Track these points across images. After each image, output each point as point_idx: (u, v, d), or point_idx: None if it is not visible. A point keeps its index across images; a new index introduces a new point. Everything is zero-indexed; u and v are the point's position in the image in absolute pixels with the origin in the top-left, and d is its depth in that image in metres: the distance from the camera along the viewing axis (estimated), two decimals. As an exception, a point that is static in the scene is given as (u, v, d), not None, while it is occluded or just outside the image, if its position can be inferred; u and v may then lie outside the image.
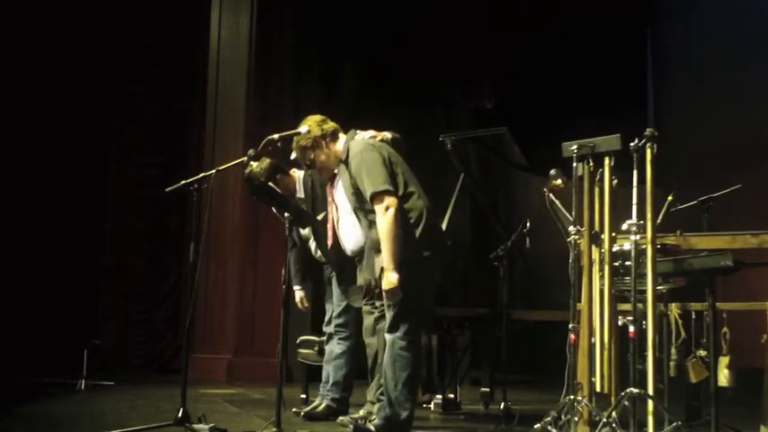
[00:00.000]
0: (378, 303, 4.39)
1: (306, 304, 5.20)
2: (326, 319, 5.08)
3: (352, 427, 4.16)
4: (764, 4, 8.12)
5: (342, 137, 4.17)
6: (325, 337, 5.09)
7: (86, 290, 8.77)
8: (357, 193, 3.96)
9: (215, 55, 8.53)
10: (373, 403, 4.46)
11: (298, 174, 5.07)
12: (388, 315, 3.90)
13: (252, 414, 5.05)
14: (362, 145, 4.02)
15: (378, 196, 3.82)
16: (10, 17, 8.32)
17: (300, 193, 5.03)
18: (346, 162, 4.06)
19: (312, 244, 5.02)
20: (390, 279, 3.74)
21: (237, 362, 7.78)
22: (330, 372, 4.93)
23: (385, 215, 3.79)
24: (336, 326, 4.91)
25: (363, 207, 3.99)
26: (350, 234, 4.43)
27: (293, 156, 4.26)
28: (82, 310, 8.53)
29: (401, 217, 3.83)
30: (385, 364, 3.92)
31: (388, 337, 3.89)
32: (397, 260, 3.75)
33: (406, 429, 3.88)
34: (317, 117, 4.20)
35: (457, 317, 5.27)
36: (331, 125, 4.16)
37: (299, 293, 5.16)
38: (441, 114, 8.85)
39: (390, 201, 3.80)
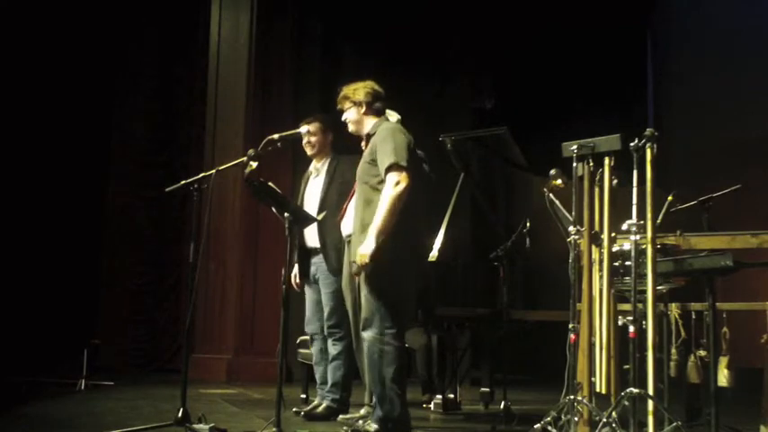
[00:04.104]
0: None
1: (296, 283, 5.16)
2: (306, 318, 5.08)
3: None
4: (765, 3, 8.13)
5: (378, 119, 4.20)
6: (308, 338, 5.12)
7: (86, 290, 8.77)
8: (372, 162, 4.01)
9: (215, 54, 8.53)
10: (371, 406, 4.47)
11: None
12: (364, 312, 3.90)
13: (252, 414, 5.05)
14: (396, 126, 4.11)
15: (395, 168, 3.87)
16: (11, 19, 8.32)
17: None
18: (370, 136, 4.13)
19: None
20: (368, 245, 3.81)
21: (237, 362, 7.78)
22: (328, 373, 4.93)
23: (394, 188, 3.85)
24: (329, 327, 4.90)
25: (370, 181, 4.01)
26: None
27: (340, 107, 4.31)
28: (82, 310, 8.53)
29: (404, 203, 3.85)
30: (368, 364, 3.92)
31: (366, 334, 3.90)
32: (384, 234, 3.81)
33: (405, 424, 3.87)
34: (375, 87, 4.25)
35: (457, 317, 5.26)
36: (380, 104, 4.22)
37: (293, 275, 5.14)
38: (441, 114, 8.85)
39: (404, 178, 3.86)
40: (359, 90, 4.22)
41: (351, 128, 4.28)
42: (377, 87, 4.25)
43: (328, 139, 5.08)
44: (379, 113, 4.22)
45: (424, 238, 4.50)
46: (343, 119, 4.30)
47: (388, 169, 3.88)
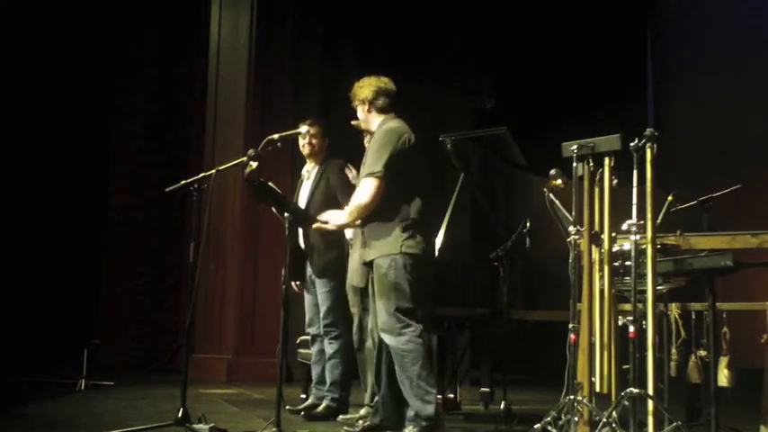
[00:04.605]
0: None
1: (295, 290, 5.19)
2: (307, 321, 5.13)
3: None
4: (765, 3, 8.13)
5: (383, 116, 4.14)
6: (309, 338, 5.15)
7: (86, 290, 8.77)
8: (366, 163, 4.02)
9: (215, 54, 8.53)
10: (371, 407, 4.47)
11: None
12: (380, 315, 3.89)
13: (252, 414, 5.05)
14: (392, 126, 4.04)
15: (369, 176, 3.88)
16: (11, 20, 8.32)
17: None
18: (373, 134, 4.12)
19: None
20: (336, 218, 4.02)
21: (237, 362, 7.78)
22: (326, 372, 4.96)
23: (360, 193, 3.90)
24: (325, 326, 4.95)
25: None
26: None
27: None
28: (82, 310, 8.53)
29: (405, 209, 3.86)
30: (396, 367, 3.85)
31: (386, 338, 3.86)
32: (339, 227, 4.04)
33: (437, 422, 3.80)
34: (380, 84, 4.17)
35: (457, 317, 5.26)
36: (384, 101, 4.14)
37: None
38: (441, 114, 8.85)
39: (374, 187, 3.86)
40: (364, 88, 4.17)
41: (362, 125, 4.25)
42: (382, 84, 4.16)
43: (325, 144, 5.16)
44: (384, 110, 4.15)
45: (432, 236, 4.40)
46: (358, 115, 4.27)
47: (366, 175, 3.91)
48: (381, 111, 4.16)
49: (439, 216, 5.18)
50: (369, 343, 4.51)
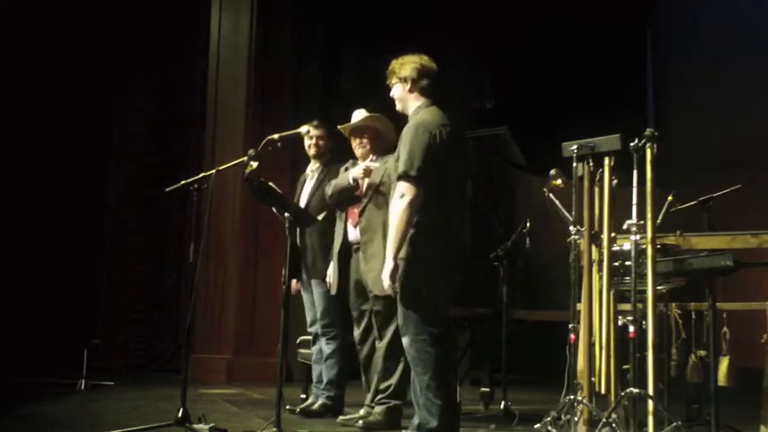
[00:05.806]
0: (363, 307, 4.58)
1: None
2: (309, 320, 5.17)
3: None
4: (765, 4, 8.13)
5: (423, 99, 3.90)
6: (311, 338, 5.18)
7: (86, 290, 8.77)
8: (398, 161, 3.74)
9: (215, 54, 8.53)
10: (371, 407, 4.47)
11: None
12: (398, 319, 3.81)
13: (252, 414, 5.05)
14: (423, 119, 3.78)
15: (403, 179, 3.62)
16: (11, 20, 8.32)
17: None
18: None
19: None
20: (388, 268, 3.59)
21: (237, 362, 7.77)
22: (323, 372, 5.00)
23: (399, 201, 3.60)
24: (323, 326, 4.98)
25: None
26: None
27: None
28: (82, 310, 8.53)
29: (419, 212, 3.62)
30: (412, 372, 3.74)
31: (402, 340, 3.76)
32: (396, 250, 3.58)
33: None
34: (423, 62, 3.95)
35: (457, 317, 5.26)
36: (426, 82, 3.91)
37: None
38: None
39: (410, 190, 3.59)
40: (406, 65, 3.92)
41: (398, 106, 3.98)
42: (426, 63, 3.91)
43: (329, 146, 5.21)
44: (426, 93, 3.89)
45: (459, 234, 3.97)
46: (390, 95, 4.01)
47: (398, 178, 3.65)
48: (423, 93, 3.90)
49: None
50: (380, 343, 4.49)
